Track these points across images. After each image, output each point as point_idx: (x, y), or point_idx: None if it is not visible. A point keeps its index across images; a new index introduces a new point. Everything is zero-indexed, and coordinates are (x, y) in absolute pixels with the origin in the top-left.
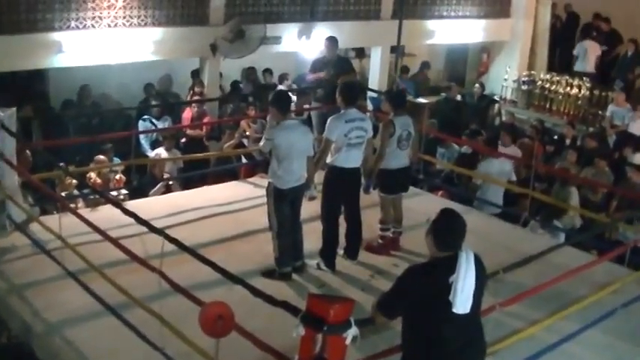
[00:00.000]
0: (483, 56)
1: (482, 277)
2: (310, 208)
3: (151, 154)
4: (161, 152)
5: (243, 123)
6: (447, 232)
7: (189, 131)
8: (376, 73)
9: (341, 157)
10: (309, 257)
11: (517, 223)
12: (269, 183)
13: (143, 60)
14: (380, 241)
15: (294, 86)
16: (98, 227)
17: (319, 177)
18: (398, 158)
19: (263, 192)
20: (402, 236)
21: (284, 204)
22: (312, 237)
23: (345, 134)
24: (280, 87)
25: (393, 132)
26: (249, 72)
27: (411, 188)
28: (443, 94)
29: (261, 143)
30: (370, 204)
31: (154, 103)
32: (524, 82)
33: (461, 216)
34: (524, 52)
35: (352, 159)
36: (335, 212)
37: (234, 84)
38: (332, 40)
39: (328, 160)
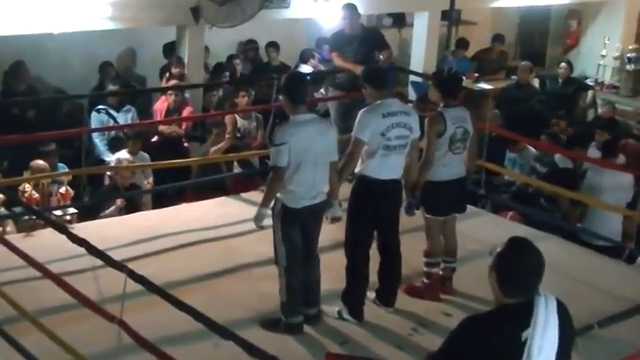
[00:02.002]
0: (571, 24)
1: (569, 332)
2: (330, 233)
3: (110, 158)
4: (123, 157)
5: (227, 118)
6: (518, 270)
7: (162, 128)
8: (421, 48)
9: (375, 165)
10: (327, 302)
11: (619, 257)
12: (276, 201)
13: (97, 29)
14: (425, 280)
15: (322, 68)
16: (34, 259)
17: (344, 191)
18: (450, 166)
19: None
20: (455, 274)
21: (295, 228)
22: (331, 274)
23: (382, 133)
24: (302, 67)
25: (443, 130)
26: (248, 47)
27: (469, 207)
28: (513, 78)
29: (273, 155)
30: (411, 228)
31: (112, 88)
32: (629, 60)
33: (536, 248)
34: (630, 17)
35: (391, 167)
36: (365, 240)
37: (228, 59)
38: (349, 9)
39: (357, 168)
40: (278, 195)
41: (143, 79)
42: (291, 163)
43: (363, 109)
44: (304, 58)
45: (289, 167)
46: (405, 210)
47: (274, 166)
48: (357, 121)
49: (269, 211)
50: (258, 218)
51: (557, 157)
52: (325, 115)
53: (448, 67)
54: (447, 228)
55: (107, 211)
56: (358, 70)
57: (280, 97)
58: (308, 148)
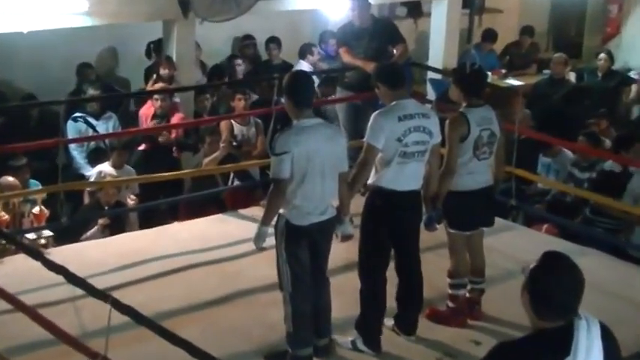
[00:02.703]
0: (611, 9)
1: (614, 359)
2: (341, 252)
3: (90, 173)
4: (106, 171)
5: (223, 124)
6: (554, 290)
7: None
8: (440, 41)
9: (391, 175)
10: (339, 331)
11: None
12: (279, 217)
13: (74, 26)
14: (450, 304)
15: (323, 65)
16: (4, 290)
17: (356, 205)
18: (476, 174)
19: None
20: (485, 296)
21: (301, 248)
22: (344, 299)
23: (399, 138)
24: (301, 64)
25: (467, 133)
26: (245, 44)
27: (498, 220)
28: (546, 72)
29: (274, 165)
30: (432, 245)
31: (91, 93)
32: None
33: (575, 265)
34: None
35: (409, 177)
36: (381, 260)
37: (229, 60)
38: (359, 2)
39: (371, 179)
40: (281, 211)
41: (127, 82)
42: (294, 174)
43: (376, 112)
44: (302, 54)
45: (293, 179)
46: (425, 225)
47: (275, 178)
48: (369, 125)
49: (271, 229)
50: (258, 238)
51: (609, 163)
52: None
53: (471, 62)
54: (473, 244)
55: (89, 233)
56: (370, 67)
57: (283, 99)
58: (313, 156)
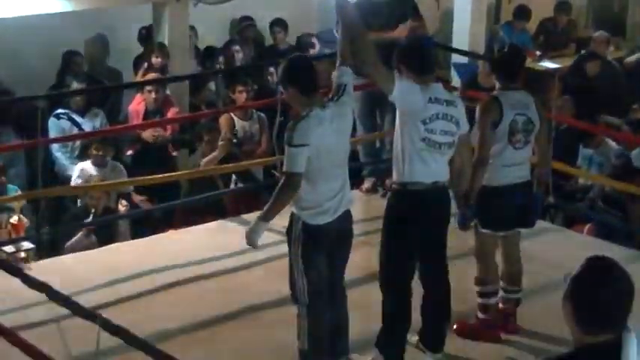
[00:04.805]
0: None
1: None
2: (358, 260)
3: (74, 173)
4: (87, 169)
5: (222, 119)
6: (600, 300)
7: (145, 134)
8: (465, 20)
9: (415, 167)
10: (358, 349)
11: None
12: (293, 219)
13: (57, 11)
14: (481, 315)
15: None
16: None
17: (373, 207)
18: (512, 166)
19: (269, 238)
20: (521, 307)
21: (319, 253)
22: (363, 313)
23: (425, 120)
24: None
25: (499, 118)
26: (244, 25)
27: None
28: (584, 52)
29: (289, 158)
30: (462, 251)
31: (76, 86)
32: None
33: (623, 270)
34: None
35: (435, 169)
36: (405, 269)
37: (226, 45)
38: None
39: (394, 176)
40: (295, 211)
41: (118, 74)
42: (310, 168)
43: (402, 84)
44: (302, 48)
45: (310, 175)
46: (458, 223)
47: (289, 172)
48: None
49: (271, 230)
50: (253, 233)
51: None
52: None
53: (499, 45)
54: (508, 247)
55: (73, 240)
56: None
57: (285, 90)
58: (330, 148)
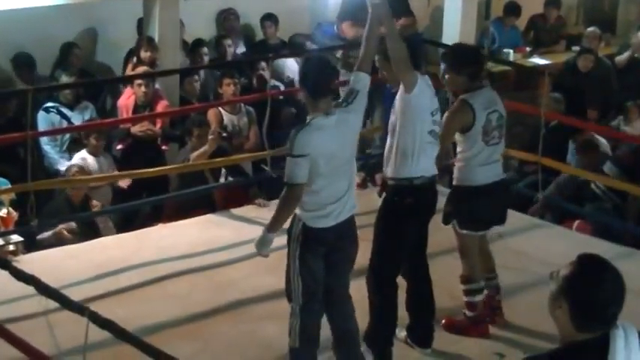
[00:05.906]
0: None
1: None
2: None
3: (72, 163)
4: (86, 157)
5: (211, 114)
6: (596, 298)
7: (134, 129)
8: (456, 16)
9: (421, 160)
10: None
11: None
12: (294, 220)
13: (45, 4)
14: (467, 312)
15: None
16: None
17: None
18: (487, 165)
19: (259, 232)
20: (510, 302)
21: (316, 255)
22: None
23: (432, 113)
24: (291, 62)
25: (472, 122)
26: (225, 17)
27: (522, 218)
28: (575, 49)
29: (289, 168)
30: (446, 245)
31: (65, 80)
32: None
33: (615, 268)
34: None
35: (431, 162)
36: (396, 266)
37: (218, 40)
38: None
39: (392, 172)
40: (297, 212)
41: (108, 69)
42: (313, 171)
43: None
44: (294, 48)
45: (312, 179)
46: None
47: (290, 184)
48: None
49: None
50: (262, 244)
51: None
52: None
53: (489, 40)
54: (483, 244)
55: (45, 235)
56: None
57: (302, 89)
58: (335, 152)
